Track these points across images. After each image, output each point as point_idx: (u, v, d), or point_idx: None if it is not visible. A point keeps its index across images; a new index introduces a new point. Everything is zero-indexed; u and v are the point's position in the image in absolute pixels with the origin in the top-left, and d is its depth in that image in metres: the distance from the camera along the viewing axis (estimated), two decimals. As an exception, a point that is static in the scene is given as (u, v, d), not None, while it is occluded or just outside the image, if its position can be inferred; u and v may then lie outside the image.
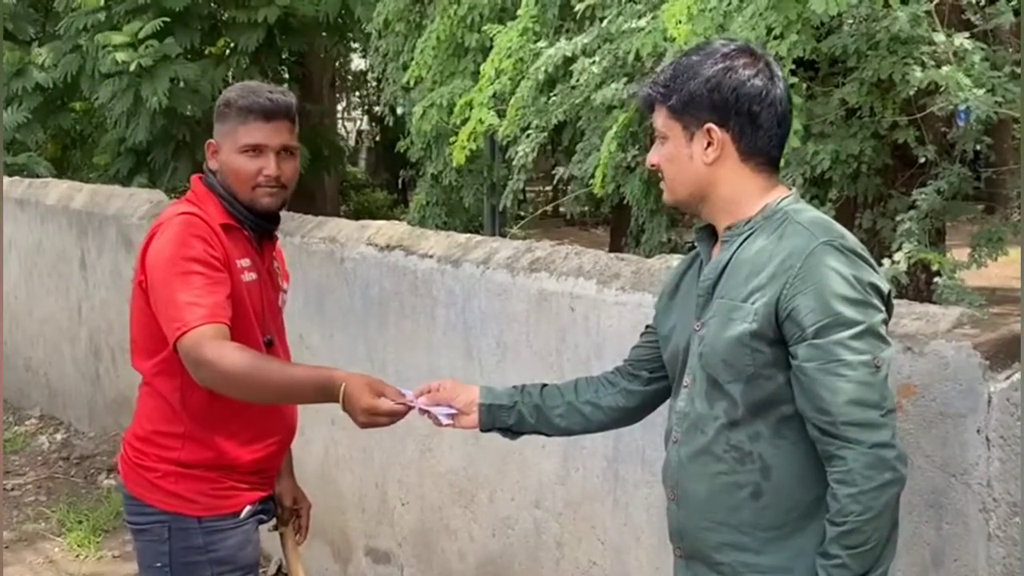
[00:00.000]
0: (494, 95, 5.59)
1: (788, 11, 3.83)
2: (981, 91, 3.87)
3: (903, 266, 4.02)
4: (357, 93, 21.19)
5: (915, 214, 4.29)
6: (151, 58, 9.86)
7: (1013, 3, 4.26)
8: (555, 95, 5.51)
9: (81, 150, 12.44)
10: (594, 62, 5.06)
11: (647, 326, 2.41)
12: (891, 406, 1.96)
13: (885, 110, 4.45)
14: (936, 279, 4.28)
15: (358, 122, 22.10)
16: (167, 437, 2.69)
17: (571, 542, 3.34)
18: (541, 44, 5.46)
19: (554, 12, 5.90)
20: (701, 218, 2.19)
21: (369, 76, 17.84)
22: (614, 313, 3.13)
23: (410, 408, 2.39)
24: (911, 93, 4.18)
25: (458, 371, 3.68)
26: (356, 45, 14.96)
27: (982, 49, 4.08)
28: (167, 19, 10.08)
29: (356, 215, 13.83)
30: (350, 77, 19.87)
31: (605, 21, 5.07)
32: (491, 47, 5.83)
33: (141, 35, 9.92)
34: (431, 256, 3.85)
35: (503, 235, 7.07)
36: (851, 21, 4.29)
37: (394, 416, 2.37)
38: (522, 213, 9.71)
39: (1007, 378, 2.20)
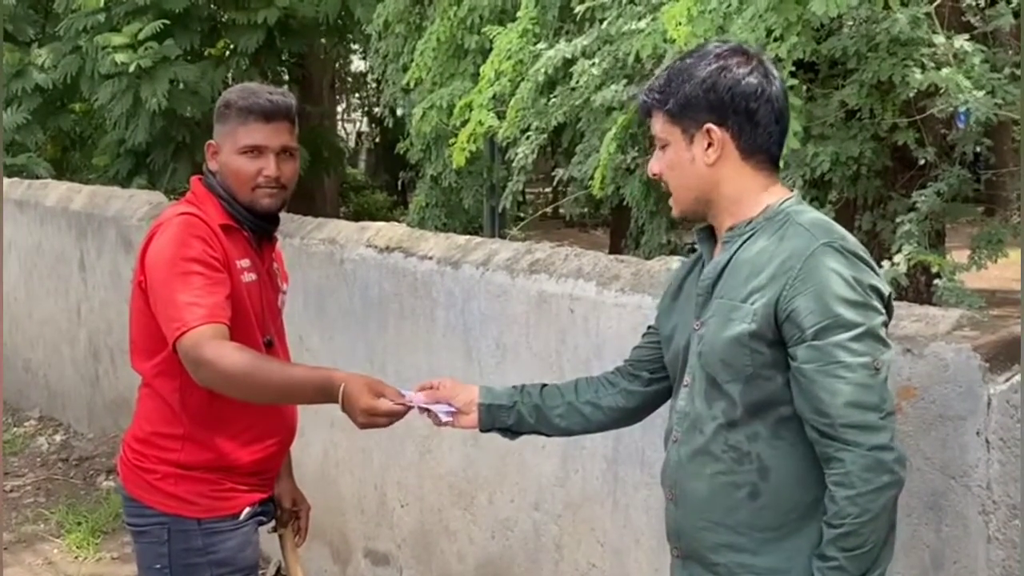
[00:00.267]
0: (494, 97, 5.59)
1: (788, 13, 3.83)
2: (981, 93, 3.87)
3: (903, 268, 4.01)
4: (357, 95, 21.21)
5: (915, 216, 4.28)
6: (151, 59, 9.86)
7: (1013, 5, 4.26)
8: (555, 97, 5.51)
9: (81, 151, 12.44)
10: (594, 64, 5.06)
11: (649, 327, 2.40)
12: (890, 408, 1.96)
13: (885, 112, 4.45)
14: (936, 281, 4.28)
15: (358, 123, 22.12)
16: (167, 439, 2.69)
17: (570, 544, 3.34)
18: (541, 46, 5.46)
19: (554, 14, 5.90)
20: (706, 222, 2.19)
21: (369, 77, 17.86)
22: (614, 315, 3.13)
23: (409, 408, 2.38)
24: (911, 95, 4.18)
25: (458, 372, 3.68)
26: (356, 46, 14.98)
27: (982, 51, 4.08)
28: (167, 21, 10.09)
29: (356, 216, 13.85)
30: (350, 79, 19.89)
31: (605, 23, 5.07)
32: (491, 49, 5.83)
33: (141, 36, 9.92)
34: (431, 258, 3.84)
35: (503, 237, 7.07)
36: (851, 23, 4.29)
37: (393, 416, 2.37)
38: (522, 215, 9.71)
39: (1007, 380, 2.20)
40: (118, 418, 6.10)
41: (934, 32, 4.08)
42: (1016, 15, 4.28)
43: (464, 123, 5.75)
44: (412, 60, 7.00)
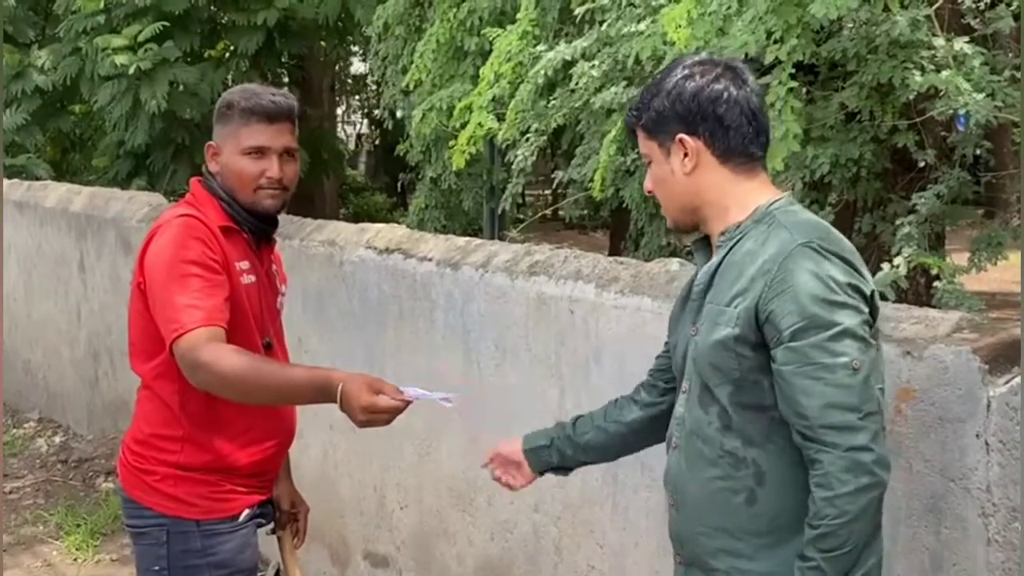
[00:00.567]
0: (493, 99, 5.60)
1: (788, 15, 3.83)
2: (981, 95, 3.87)
3: (903, 270, 4.01)
4: (357, 96, 21.23)
5: (915, 218, 4.29)
6: (150, 61, 9.87)
7: (1013, 8, 4.26)
8: (554, 99, 5.51)
9: (80, 153, 12.44)
10: (593, 66, 5.06)
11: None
12: (871, 409, 1.94)
13: (885, 114, 4.46)
14: (936, 283, 4.28)
15: (358, 125, 22.14)
16: (166, 440, 2.68)
17: (570, 546, 3.34)
18: (540, 48, 5.47)
19: (553, 16, 5.91)
20: (702, 232, 2.20)
21: (369, 79, 17.87)
22: (613, 317, 3.13)
23: (408, 403, 2.36)
24: (911, 97, 4.18)
25: (457, 374, 3.68)
26: (356, 48, 14.99)
27: (982, 53, 4.08)
28: (166, 22, 10.09)
29: (355, 218, 13.85)
30: (350, 80, 19.91)
31: (604, 25, 5.08)
32: (490, 51, 5.83)
33: (140, 38, 9.93)
34: (430, 259, 3.84)
35: (502, 238, 7.08)
36: (851, 25, 4.29)
37: (393, 412, 2.35)
38: (521, 216, 9.72)
39: (1007, 383, 2.20)
40: (117, 420, 6.09)
41: (934, 34, 4.08)
42: (1016, 18, 4.28)
43: (464, 125, 5.76)
44: (412, 62, 7.00)
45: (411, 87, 7.10)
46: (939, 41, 4.05)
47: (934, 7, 4.09)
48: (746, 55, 3.86)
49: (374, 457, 4.15)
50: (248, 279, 2.68)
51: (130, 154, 10.92)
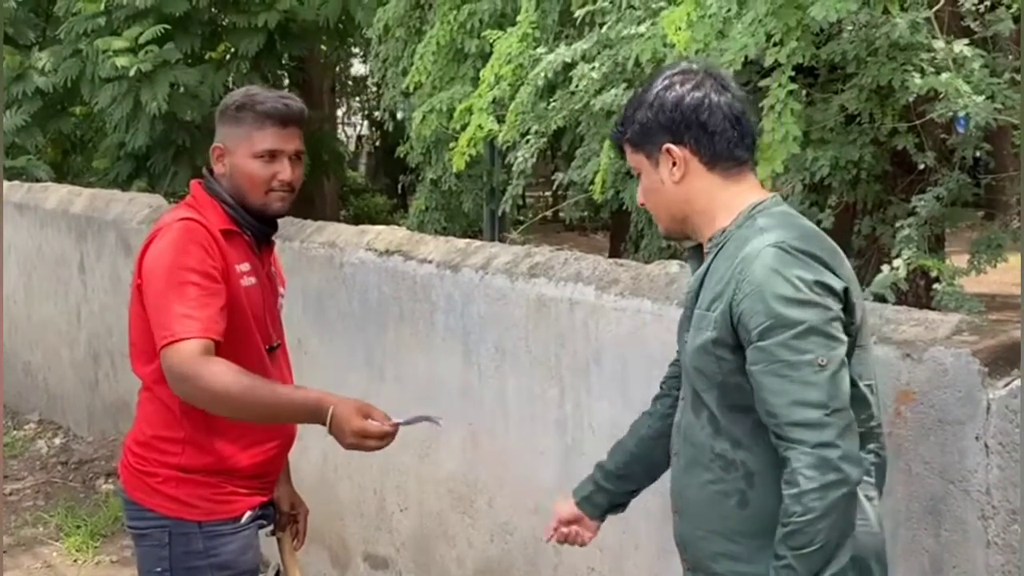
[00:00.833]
0: (494, 100, 5.60)
1: (788, 17, 3.84)
2: (980, 98, 3.87)
3: (902, 272, 4.01)
4: (357, 98, 21.21)
5: (914, 220, 4.29)
6: (151, 63, 9.88)
7: (1013, 10, 4.26)
8: (555, 101, 5.51)
9: (81, 154, 12.44)
10: (594, 68, 5.06)
11: None
12: (839, 405, 1.94)
13: (884, 116, 4.46)
14: (935, 285, 4.28)
15: (358, 127, 22.12)
16: (167, 442, 2.69)
17: (569, 548, 3.32)
18: (541, 50, 5.47)
19: (554, 18, 5.91)
20: (694, 240, 2.22)
21: (369, 81, 17.87)
22: (613, 319, 3.13)
23: (397, 430, 2.44)
24: (910, 99, 4.18)
25: (457, 376, 3.68)
26: (356, 50, 15.00)
27: (981, 56, 4.08)
28: (167, 25, 10.10)
29: (355, 220, 13.84)
30: (350, 82, 19.90)
31: (605, 27, 5.08)
32: (491, 53, 5.83)
33: (141, 40, 9.94)
34: (430, 261, 3.84)
35: (502, 240, 7.08)
36: (851, 27, 4.29)
37: (383, 438, 2.42)
38: (521, 218, 9.73)
39: (1006, 385, 2.20)
40: (118, 421, 6.09)
41: (934, 37, 4.08)
42: (1016, 20, 4.28)
43: (464, 127, 5.76)
44: (412, 64, 7.00)
45: (411, 89, 7.10)
46: (939, 43, 4.05)
47: (934, 9, 4.09)
48: (746, 58, 3.86)
49: (374, 459, 4.14)
50: (249, 281, 2.68)
51: (131, 156, 10.92)
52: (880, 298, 3.77)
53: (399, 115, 8.85)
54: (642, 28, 4.62)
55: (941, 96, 3.99)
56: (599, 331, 3.18)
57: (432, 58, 6.81)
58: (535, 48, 5.53)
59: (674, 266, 3.12)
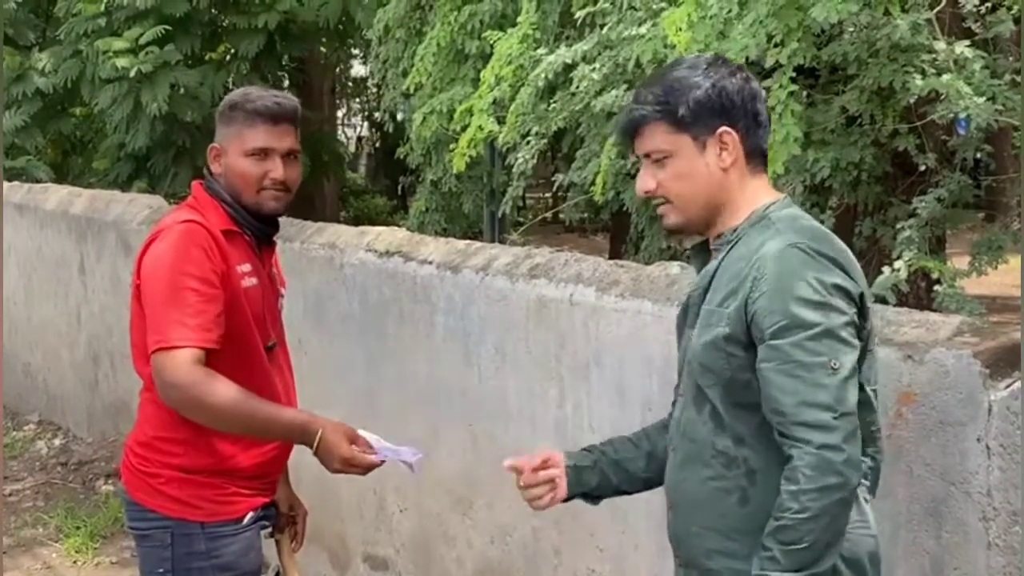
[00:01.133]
0: (494, 102, 5.60)
1: (789, 19, 3.84)
2: (981, 99, 3.87)
3: (903, 274, 4.01)
4: (357, 99, 21.21)
5: (915, 222, 4.29)
6: (151, 64, 9.88)
7: (1013, 11, 4.26)
8: (555, 102, 5.52)
9: (81, 155, 12.45)
10: (594, 69, 5.06)
11: None
12: (847, 409, 1.94)
13: (885, 118, 4.46)
14: (936, 287, 4.28)
15: (358, 128, 22.12)
16: (169, 442, 2.68)
17: (569, 549, 3.34)
18: (541, 51, 5.47)
19: (554, 19, 5.91)
20: (707, 233, 2.18)
21: (369, 82, 17.87)
22: (613, 320, 3.13)
23: (383, 461, 2.54)
24: (911, 101, 4.18)
25: (456, 377, 3.68)
26: (356, 51, 15.00)
27: (982, 57, 4.08)
28: (167, 25, 10.10)
29: (356, 221, 13.84)
30: (350, 83, 19.91)
31: (605, 28, 5.08)
32: (491, 54, 5.83)
33: (141, 41, 9.95)
34: (430, 262, 3.84)
35: (502, 241, 7.08)
36: (852, 29, 4.30)
37: (369, 468, 2.54)
38: (521, 219, 9.73)
39: (1007, 387, 2.20)
40: (117, 422, 6.09)
41: (935, 38, 4.08)
42: (1016, 21, 4.28)
43: (464, 128, 5.76)
44: (412, 65, 7.00)
45: (412, 90, 7.11)
46: (940, 45, 4.05)
47: (935, 11, 4.10)
48: (747, 59, 3.86)
49: (374, 460, 4.14)
50: (250, 282, 2.68)
51: (131, 157, 10.93)
52: (881, 300, 3.76)
53: (399, 116, 8.85)
54: (643, 29, 4.62)
55: (942, 97, 3.99)
56: (599, 332, 3.17)
57: (432, 59, 6.82)
58: (535, 49, 5.53)
59: (674, 267, 3.11)
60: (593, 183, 5.24)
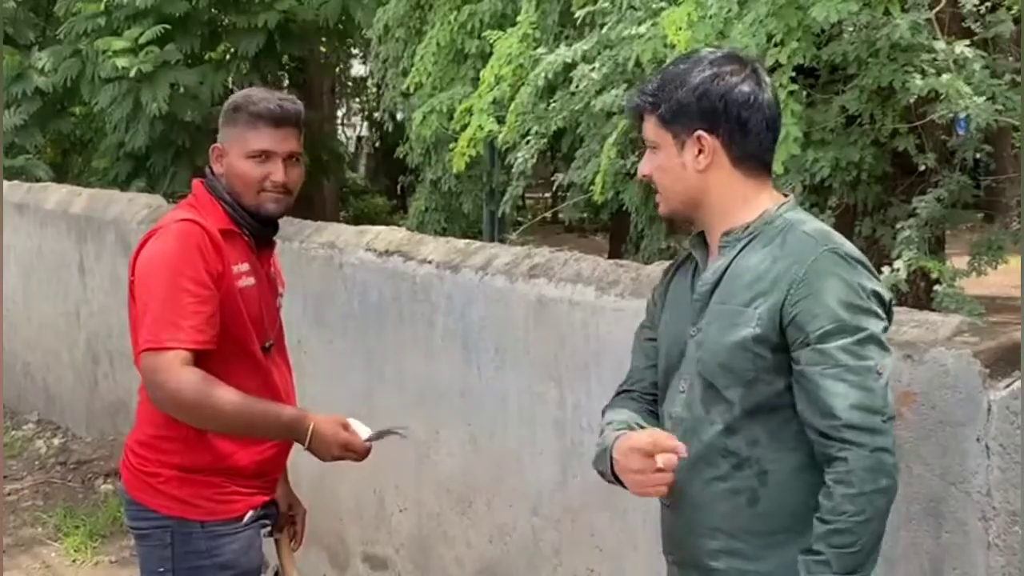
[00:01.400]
0: (494, 101, 5.60)
1: (788, 18, 3.84)
2: (981, 99, 3.87)
3: (903, 274, 4.02)
4: (357, 99, 21.21)
5: (915, 222, 4.29)
6: (151, 64, 9.88)
7: (1013, 11, 4.26)
8: (555, 101, 5.52)
9: (80, 155, 12.45)
10: (594, 68, 5.06)
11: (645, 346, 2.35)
12: (891, 414, 1.97)
13: (885, 118, 4.46)
14: (936, 287, 4.28)
15: (358, 128, 22.12)
16: (168, 441, 2.68)
17: (569, 549, 3.33)
18: (541, 50, 5.47)
19: (554, 19, 5.91)
20: (695, 227, 2.19)
21: (369, 82, 17.88)
22: (613, 320, 3.13)
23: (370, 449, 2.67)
24: (911, 101, 4.18)
25: (456, 377, 3.68)
26: (356, 51, 15.00)
27: (982, 57, 4.09)
28: (167, 25, 10.10)
29: (355, 221, 13.83)
30: (350, 83, 19.91)
31: (605, 28, 5.08)
32: (491, 53, 5.83)
33: (141, 41, 9.94)
34: (430, 262, 3.84)
35: (502, 241, 7.08)
36: (851, 28, 4.30)
37: (364, 453, 2.67)
38: (521, 219, 9.74)
39: (1007, 387, 2.20)
40: (117, 422, 6.08)
41: (934, 38, 4.08)
42: (1016, 21, 4.29)
43: (464, 128, 5.76)
44: (412, 64, 7.01)
45: (411, 90, 7.11)
46: (940, 45, 4.05)
47: (935, 11, 4.10)
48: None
49: (373, 459, 4.13)
50: (247, 281, 2.68)
51: (130, 156, 10.92)
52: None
53: (399, 116, 8.86)
54: (643, 28, 4.62)
55: (942, 97, 3.99)
56: (599, 332, 3.17)
57: (432, 59, 6.82)
58: (535, 49, 5.54)
59: (674, 267, 3.11)
60: (593, 183, 5.24)
